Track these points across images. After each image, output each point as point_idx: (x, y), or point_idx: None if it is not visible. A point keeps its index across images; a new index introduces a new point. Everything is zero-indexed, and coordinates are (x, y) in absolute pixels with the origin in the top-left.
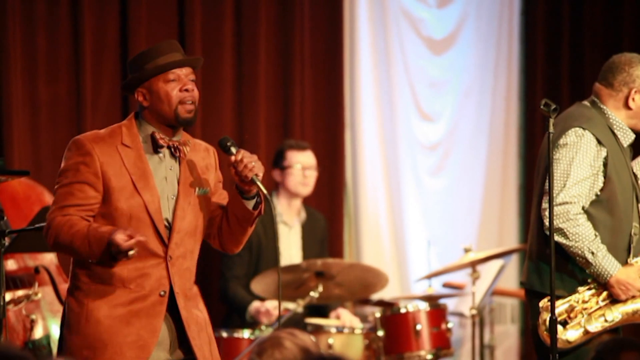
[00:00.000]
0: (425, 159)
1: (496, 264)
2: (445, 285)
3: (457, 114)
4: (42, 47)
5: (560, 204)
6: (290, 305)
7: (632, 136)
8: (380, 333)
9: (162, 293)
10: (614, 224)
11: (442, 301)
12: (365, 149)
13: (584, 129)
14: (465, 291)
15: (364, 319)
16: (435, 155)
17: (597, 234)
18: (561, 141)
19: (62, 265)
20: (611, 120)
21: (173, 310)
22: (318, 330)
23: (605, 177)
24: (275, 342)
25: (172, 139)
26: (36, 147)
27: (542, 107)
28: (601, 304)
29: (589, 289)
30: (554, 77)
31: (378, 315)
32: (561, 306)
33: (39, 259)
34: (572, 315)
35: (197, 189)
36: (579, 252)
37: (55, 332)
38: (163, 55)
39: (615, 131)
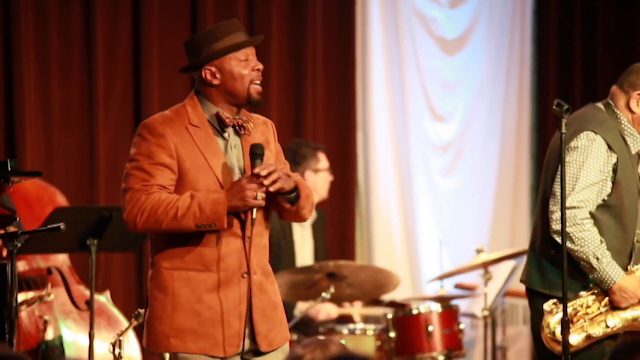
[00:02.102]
0: (437, 159)
1: (508, 265)
2: (457, 286)
3: (469, 114)
4: (55, 48)
5: (568, 208)
6: (303, 306)
7: None
8: (392, 334)
9: (244, 274)
10: (619, 229)
11: (454, 302)
12: (377, 149)
13: (595, 133)
14: (477, 292)
15: (375, 320)
16: (448, 155)
17: (602, 239)
18: (572, 144)
19: (75, 266)
20: (622, 126)
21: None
22: (330, 331)
23: (613, 183)
24: (323, 343)
25: (235, 117)
26: (48, 148)
27: (554, 107)
28: (602, 309)
29: (592, 293)
30: (567, 77)
31: (390, 316)
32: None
33: (51, 260)
34: (574, 319)
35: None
36: (584, 256)
37: (67, 333)
38: (231, 34)
39: (626, 137)
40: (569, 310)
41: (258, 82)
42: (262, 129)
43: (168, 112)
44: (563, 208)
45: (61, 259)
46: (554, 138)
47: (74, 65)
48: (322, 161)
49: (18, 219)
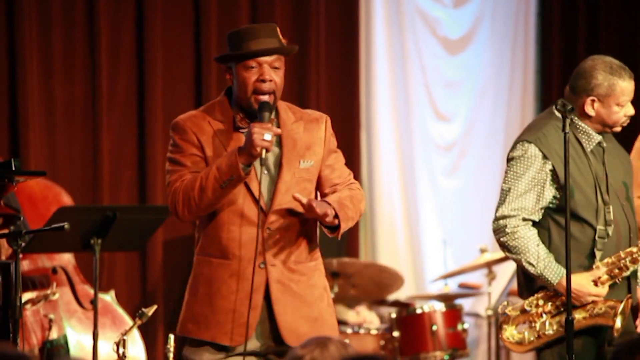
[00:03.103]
0: (441, 159)
1: (512, 264)
2: (461, 286)
3: (473, 114)
4: (58, 48)
5: (499, 219)
6: None
7: (597, 138)
8: (396, 333)
9: (261, 265)
10: (576, 229)
11: (457, 301)
12: (380, 149)
13: (529, 142)
14: (481, 291)
15: (379, 319)
16: (451, 155)
17: (539, 244)
18: (509, 155)
19: (79, 266)
20: (575, 125)
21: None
22: None
23: (557, 187)
24: (321, 342)
25: (252, 122)
26: (52, 147)
27: (557, 107)
28: (562, 308)
29: (545, 294)
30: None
31: (394, 315)
32: (517, 308)
33: (56, 259)
34: (529, 319)
35: (300, 161)
36: (520, 264)
37: (72, 332)
38: (255, 40)
39: (579, 136)
40: (517, 313)
41: (262, 94)
42: (310, 126)
43: (199, 109)
44: (567, 214)
45: (66, 259)
46: None
47: (78, 65)
48: None
49: (23, 218)
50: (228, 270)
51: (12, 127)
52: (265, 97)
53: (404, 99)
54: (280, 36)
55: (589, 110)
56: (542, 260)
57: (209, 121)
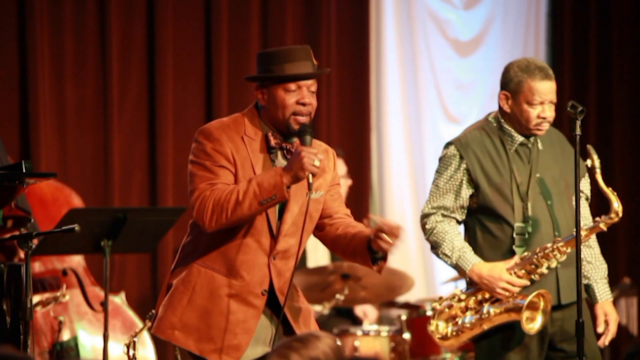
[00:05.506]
0: None
1: None
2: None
3: (483, 116)
4: (70, 50)
5: (421, 218)
6: (317, 307)
7: (519, 139)
8: (407, 335)
9: (263, 292)
10: (493, 226)
11: None
12: (391, 151)
13: (450, 143)
14: None
15: (390, 321)
16: None
17: (456, 237)
18: (439, 155)
19: (90, 268)
20: (501, 127)
21: (275, 305)
22: (344, 332)
23: (474, 187)
24: (305, 339)
25: (285, 140)
26: (63, 149)
27: (568, 108)
28: (484, 304)
29: (468, 288)
30: (581, 79)
31: (404, 317)
32: (444, 302)
33: (66, 261)
34: (452, 313)
35: (310, 192)
36: (439, 257)
37: (82, 334)
38: (293, 62)
39: (502, 137)
40: (447, 303)
41: (301, 116)
42: (322, 156)
43: (226, 119)
44: (578, 213)
45: (76, 261)
46: None
47: (89, 68)
48: (339, 167)
49: (33, 220)
50: (232, 290)
51: (22, 128)
52: (304, 119)
53: (414, 100)
54: (313, 58)
55: (503, 105)
56: (456, 250)
57: (242, 137)
